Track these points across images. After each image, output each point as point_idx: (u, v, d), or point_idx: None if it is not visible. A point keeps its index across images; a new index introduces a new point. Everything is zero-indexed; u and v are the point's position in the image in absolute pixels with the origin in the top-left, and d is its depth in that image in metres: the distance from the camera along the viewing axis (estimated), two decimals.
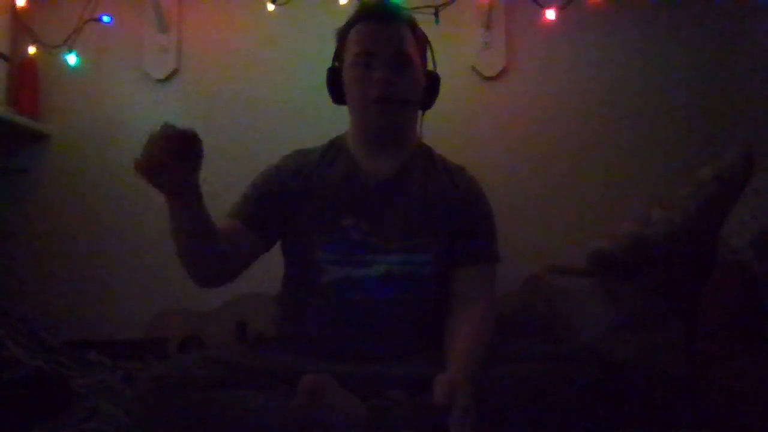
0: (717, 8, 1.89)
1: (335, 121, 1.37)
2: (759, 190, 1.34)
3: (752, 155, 1.42)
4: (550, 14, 1.88)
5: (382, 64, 1.21)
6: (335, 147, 1.32)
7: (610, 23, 1.92)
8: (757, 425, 1.10)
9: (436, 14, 1.81)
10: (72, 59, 2.00)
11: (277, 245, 1.30)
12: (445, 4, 1.83)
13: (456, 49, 1.92)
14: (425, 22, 1.66)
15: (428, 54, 1.33)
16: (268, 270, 1.30)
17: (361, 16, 1.25)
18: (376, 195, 1.25)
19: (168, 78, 2.02)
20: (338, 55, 1.29)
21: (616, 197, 1.87)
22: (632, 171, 1.89)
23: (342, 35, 1.28)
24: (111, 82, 2.04)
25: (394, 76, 1.20)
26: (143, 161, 0.95)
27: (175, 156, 0.94)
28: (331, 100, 1.31)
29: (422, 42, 1.30)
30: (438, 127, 1.40)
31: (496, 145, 1.93)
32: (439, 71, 1.33)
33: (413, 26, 1.28)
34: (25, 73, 2.00)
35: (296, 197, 1.25)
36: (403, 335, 1.20)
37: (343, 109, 1.32)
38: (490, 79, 1.94)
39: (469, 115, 1.94)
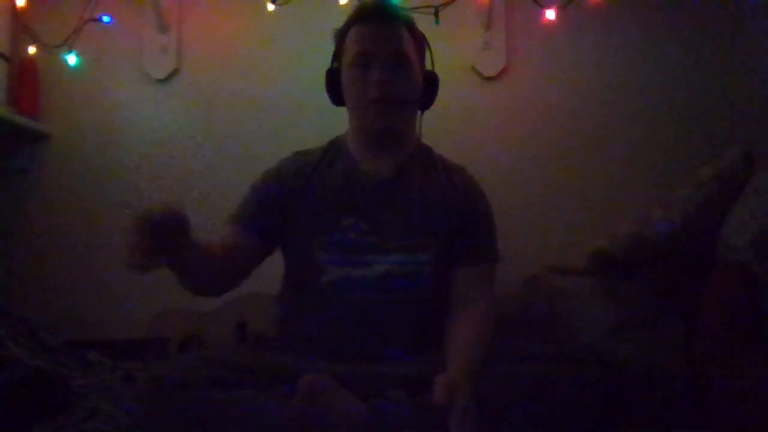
0: (717, 8, 1.89)
1: (335, 121, 1.38)
2: (759, 190, 1.34)
3: (752, 155, 1.42)
4: (550, 14, 1.88)
5: (381, 65, 1.20)
6: (335, 147, 1.32)
7: (610, 23, 1.92)
8: (757, 425, 1.10)
9: (436, 14, 1.81)
10: (72, 59, 2.00)
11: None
12: (445, 4, 1.83)
13: (456, 49, 1.92)
14: (425, 22, 1.67)
15: (427, 54, 1.33)
16: (268, 270, 1.30)
17: (358, 17, 1.25)
18: (375, 195, 1.25)
19: (168, 78, 2.02)
20: (336, 57, 1.29)
21: (616, 197, 1.87)
22: (632, 171, 1.89)
23: (340, 36, 1.28)
24: (111, 82, 2.04)
25: (393, 77, 1.20)
26: (135, 260, 0.88)
27: (164, 239, 0.90)
28: (329, 101, 1.31)
29: (420, 42, 1.30)
30: (438, 127, 1.40)
31: (496, 145, 1.93)
32: (439, 71, 1.32)
33: (411, 26, 1.27)
34: (25, 73, 2.00)
35: (296, 198, 1.25)
36: (402, 335, 1.20)
37: (344, 109, 1.32)
38: (490, 79, 1.94)
39: (469, 115, 1.94)
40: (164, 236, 0.90)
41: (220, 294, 1.24)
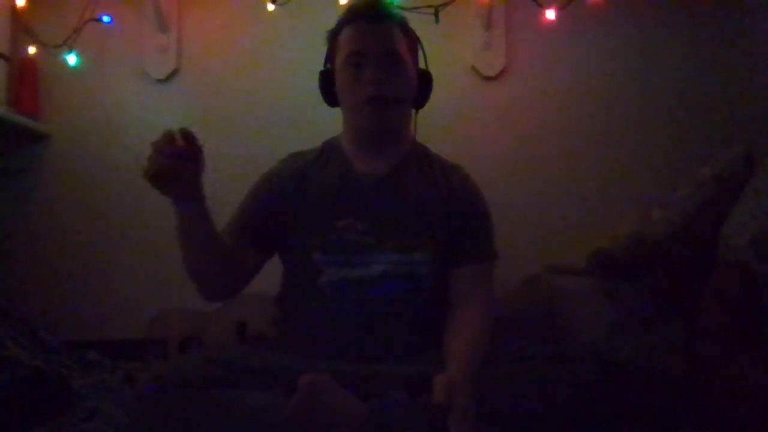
0: (717, 8, 1.89)
1: (335, 121, 1.37)
2: (759, 190, 1.34)
3: (752, 155, 1.42)
4: (550, 14, 1.88)
5: (374, 64, 1.20)
6: (329, 148, 1.32)
7: (610, 23, 1.92)
8: (757, 425, 1.10)
9: (436, 14, 1.81)
10: (72, 59, 2.00)
11: None
12: (445, 4, 1.83)
13: (456, 49, 1.92)
14: (425, 22, 1.67)
15: (422, 53, 1.32)
16: (268, 270, 1.30)
17: (351, 16, 1.25)
18: (371, 195, 1.25)
19: (168, 78, 2.02)
20: (330, 57, 1.29)
21: (616, 197, 1.87)
22: (632, 171, 1.89)
23: (333, 37, 1.28)
24: (111, 82, 2.04)
25: (386, 76, 1.20)
26: (150, 168, 1.00)
27: (179, 158, 1.00)
28: (323, 102, 1.31)
29: (413, 41, 1.29)
30: (438, 127, 1.40)
31: (495, 145, 1.93)
32: (439, 71, 1.32)
33: (404, 25, 1.27)
34: (25, 73, 2.00)
35: (292, 200, 1.25)
36: (401, 335, 1.19)
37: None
38: (490, 79, 1.94)
39: (469, 115, 1.94)
40: (181, 155, 1.01)
41: (222, 297, 1.27)
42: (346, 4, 1.85)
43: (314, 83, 1.30)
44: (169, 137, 1.02)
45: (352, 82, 1.22)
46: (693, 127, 1.88)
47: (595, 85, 1.92)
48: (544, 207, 1.90)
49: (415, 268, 1.21)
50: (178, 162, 1.01)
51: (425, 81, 1.29)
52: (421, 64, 1.31)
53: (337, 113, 1.35)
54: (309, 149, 1.34)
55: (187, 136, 1.03)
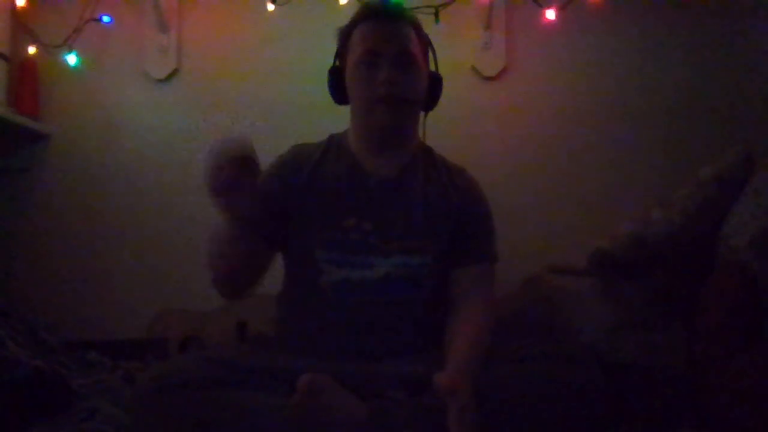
0: (716, 8, 1.89)
1: (335, 121, 1.37)
2: (759, 190, 1.34)
3: (752, 155, 1.42)
4: (550, 14, 1.88)
5: (388, 64, 1.20)
6: (336, 144, 1.32)
7: (610, 23, 1.92)
8: (757, 425, 1.10)
9: (436, 14, 1.81)
10: (72, 59, 2.00)
11: None
12: (445, 4, 1.84)
13: (456, 49, 1.92)
14: (425, 22, 1.66)
15: (430, 55, 1.32)
16: (269, 270, 1.30)
17: (364, 15, 1.25)
18: (377, 195, 1.25)
19: (168, 78, 2.02)
20: (340, 55, 1.29)
21: (616, 197, 1.87)
22: (632, 171, 1.89)
23: (345, 35, 1.27)
24: (111, 82, 2.04)
25: (400, 76, 1.20)
26: (218, 183, 1.03)
27: (246, 173, 1.03)
28: (332, 99, 1.31)
29: (425, 43, 1.30)
30: (438, 127, 1.40)
31: (496, 145, 1.93)
32: (440, 71, 1.32)
33: (417, 27, 1.27)
34: (25, 73, 2.00)
35: (297, 194, 1.24)
36: (402, 336, 1.19)
37: (344, 109, 1.32)
38: (490, 79, 1.95)
39: (469, 115, 1.94)
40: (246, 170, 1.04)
41: (239, 296, 1.25)
42: (346, 4, 1.86)
43: (314, 83, 1.30)
44: (229, 151, 1.04)
45: (365, 81, 1.22)
46: (693, 127, 1.88)
47: (595, 85, 1.92)
48: (544, 207, 1.91)
49: (417, 269, 1.21)
50: (244, 173, 1.03)
51: (435, 83, 1.29)
52: (430, 66, 1.31)
53: (336, 112, 1.35)
54: (314, 143, 1.34)
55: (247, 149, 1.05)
